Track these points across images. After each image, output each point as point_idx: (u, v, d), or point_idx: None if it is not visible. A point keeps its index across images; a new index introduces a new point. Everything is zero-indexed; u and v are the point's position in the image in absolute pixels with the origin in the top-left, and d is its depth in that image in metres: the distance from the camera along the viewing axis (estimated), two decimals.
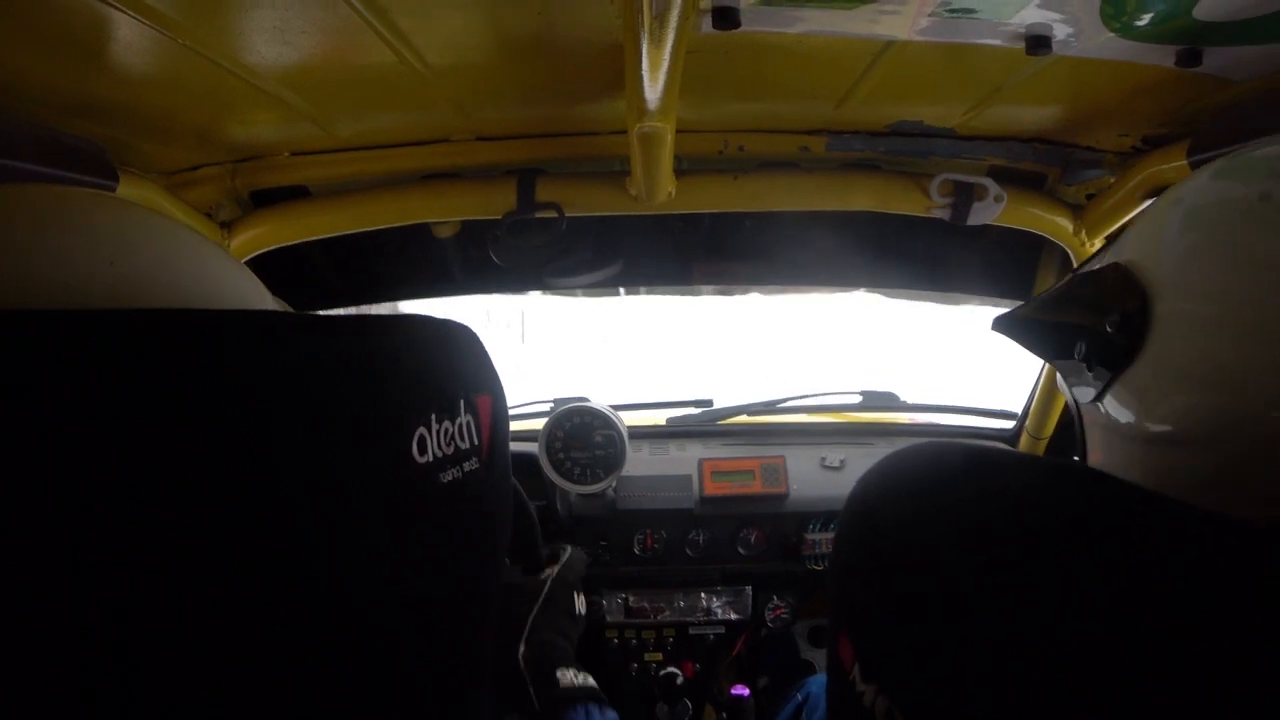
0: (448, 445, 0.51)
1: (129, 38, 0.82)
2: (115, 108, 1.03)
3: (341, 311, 1.88)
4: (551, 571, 1.33)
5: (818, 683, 1.75)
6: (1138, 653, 0.40)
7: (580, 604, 1.37)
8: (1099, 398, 0.65)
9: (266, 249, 1.44)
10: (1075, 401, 0.72)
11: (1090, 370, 0.65)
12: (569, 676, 1.18)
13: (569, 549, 1.39)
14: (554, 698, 1.15)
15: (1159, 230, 0.63)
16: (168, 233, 0.50)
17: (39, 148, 1.01)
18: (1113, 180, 1.36)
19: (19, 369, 0.33)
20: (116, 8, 0.74)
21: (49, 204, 0.47)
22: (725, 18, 0.82)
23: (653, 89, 0.90)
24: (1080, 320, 0.67)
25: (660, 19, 0.74)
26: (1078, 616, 0.42)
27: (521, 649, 1.20)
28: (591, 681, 1.20)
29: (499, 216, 1.42)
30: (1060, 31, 0.87)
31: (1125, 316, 0.61)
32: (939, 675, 0.48)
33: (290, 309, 0.59)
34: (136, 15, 0.76)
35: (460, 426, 0.52)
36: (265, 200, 1.45)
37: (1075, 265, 1.47)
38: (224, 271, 0.52)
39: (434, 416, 0.49)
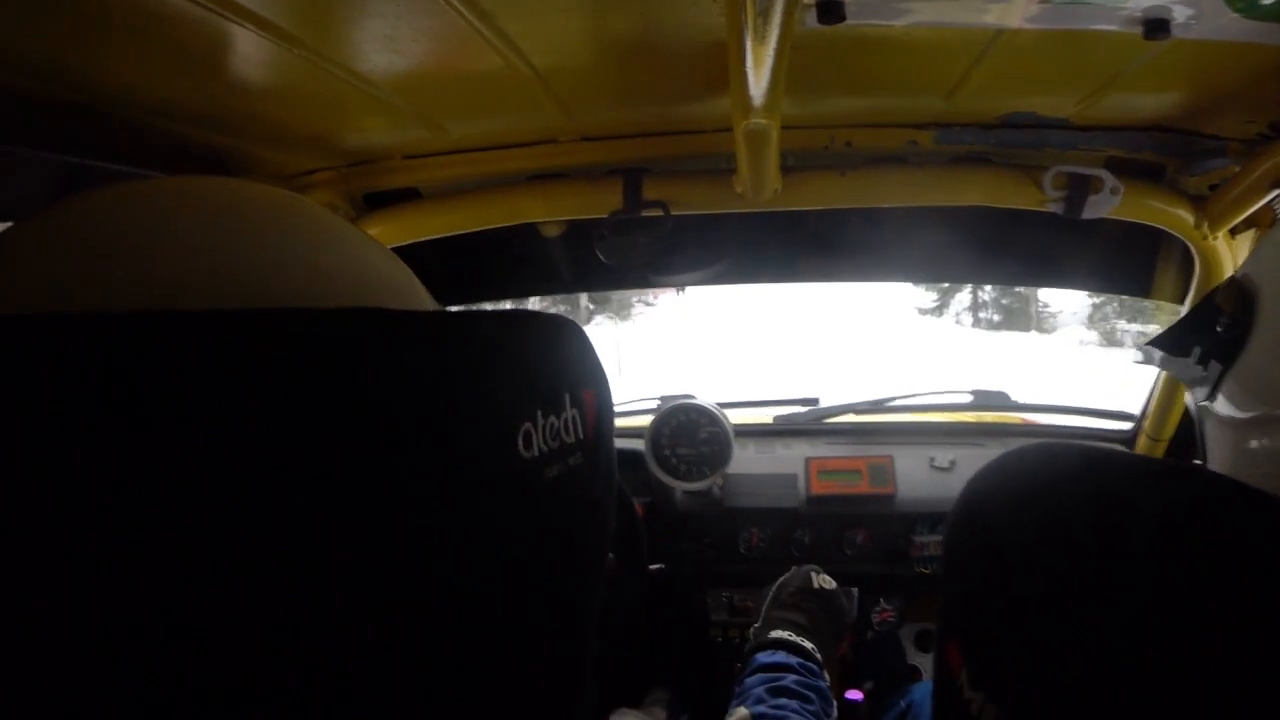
0: (553, 440, 0.50)
1: (248, 50, 0.86)
2: (235, 117, 1.08)
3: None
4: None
5: (922, 690, 1.72)
6: (1261, 664, 0.39)
7: (822, 580, 1.42)
8: (1211, 396, 0.68)
9: None
10: (1195, 408, 0.75)
11: (1205, 370, 0.68)
12: (778, 634, 1.27)
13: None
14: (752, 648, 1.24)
15: None
16: (339, 227, 0.52)
17: (164, 156, 1.06)
18: (1237, 170, 1.30)
19: (146, 370, 0.35)
20: (237, 22, 0.78)
21: (231, 198, 0.49)
22: (830, 12, 0.82)
23: (757, 86, 0.90)
24: (1198, 328, 0.71)
25: (764, 15, 0.74)
26: (1200, 627, 0.41)
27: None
28: (796, 638, 1.27)
29: (605, 215, 1.44)
30: (1179, 14, 0.84)
31: (1232, 315, 0.65)
32: (1050, 684, 0.47)
33: (436, 303, 0.61)
34: (256, 29, 0.80)
35: (565, 421, 0.52)
36: (378, 203, 1.50)
37: (1196, 259, 1.42)
38: (386, 263, 0.54)
39: (540, 412, 0.49)
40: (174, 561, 0.35)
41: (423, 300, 0.57)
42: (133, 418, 0.34)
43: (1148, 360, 0.82)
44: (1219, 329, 0.67)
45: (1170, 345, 0.77)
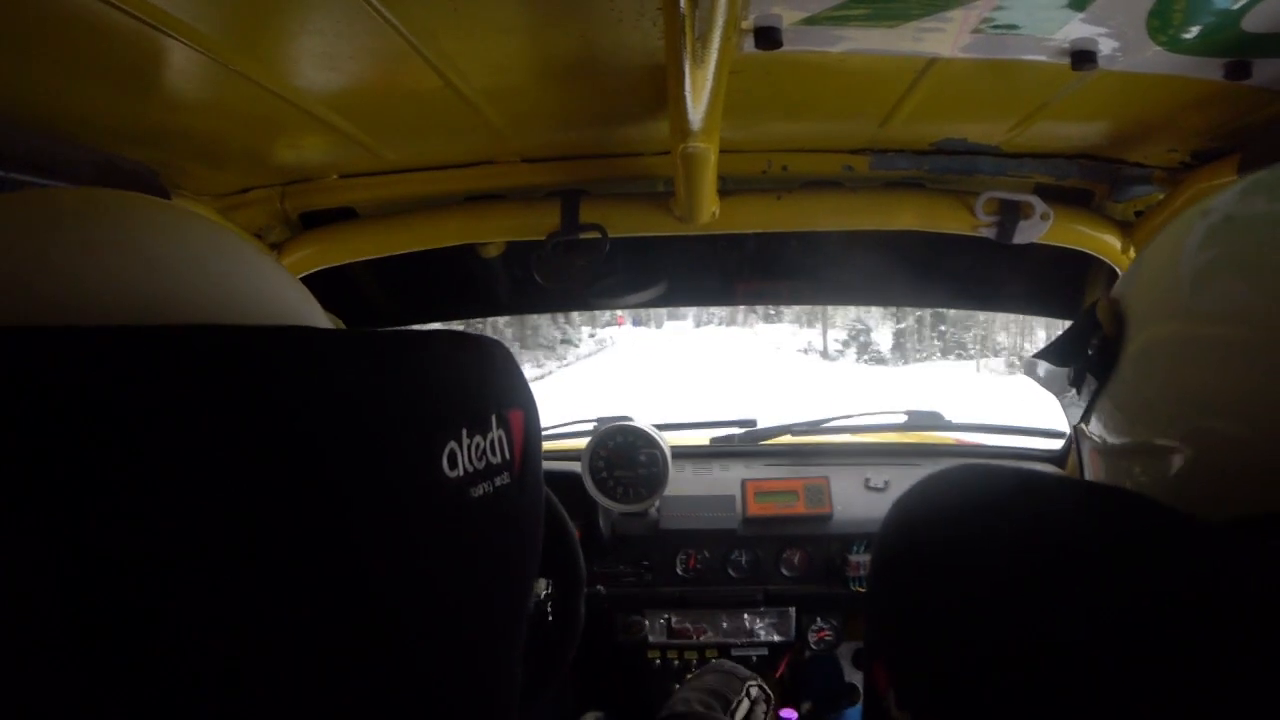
0: (479, 460, 0.51)
1: (182, 65, 0.84)
2: (168, 133, 1.05)
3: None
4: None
5: (855, 714, 1.73)
6: (1199, 693, 0.39)
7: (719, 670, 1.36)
8: (1085, 418, 0.69)
9: (315, 270, 1.47)
10: (1071, 429, 0.75)
11: (1079, 394, 0.69)
12: None
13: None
14: None
15: (1150, 256, 0.65)
16: (226, 243, 0.51)
17: (95, 172, 1.04)
18: (1162, 196, 1.35)
19: (62, 388, 0.34)
20: (171, 35, 0.76)
21: (104, 209, 0.48)
22: (767, 38, 0.83)
23: (696, 110, 0.91)
24: (1073, 346, 0.71)
25: (703, 40, 0.74)
26: (1134, 655, 0.41)
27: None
28: None
29: (543, 237, 1.44)
30: (1106, 46, 0.86)
31: (1105, 336, 0.66)
32: (977, 707, 0.47)
33: (342, 324, 0.60)
34: (190, 43, 0.78)
35: (491, 441, 0.52)
36: (314, 222, 1.48)
37: None
38: (280, 285, 0.53)
39: (465, 431, 0.49)
40: (81, 580, 0.34)
41: (323, 326, 0.56)
42: (42, 436, 0.34)
43: (1029, 374, 0.81)
44: (1090, 350, 0.68)
45: (1052, 360, 0.77)
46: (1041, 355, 0.77)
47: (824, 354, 36.42)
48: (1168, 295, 0.59)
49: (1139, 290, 0.64)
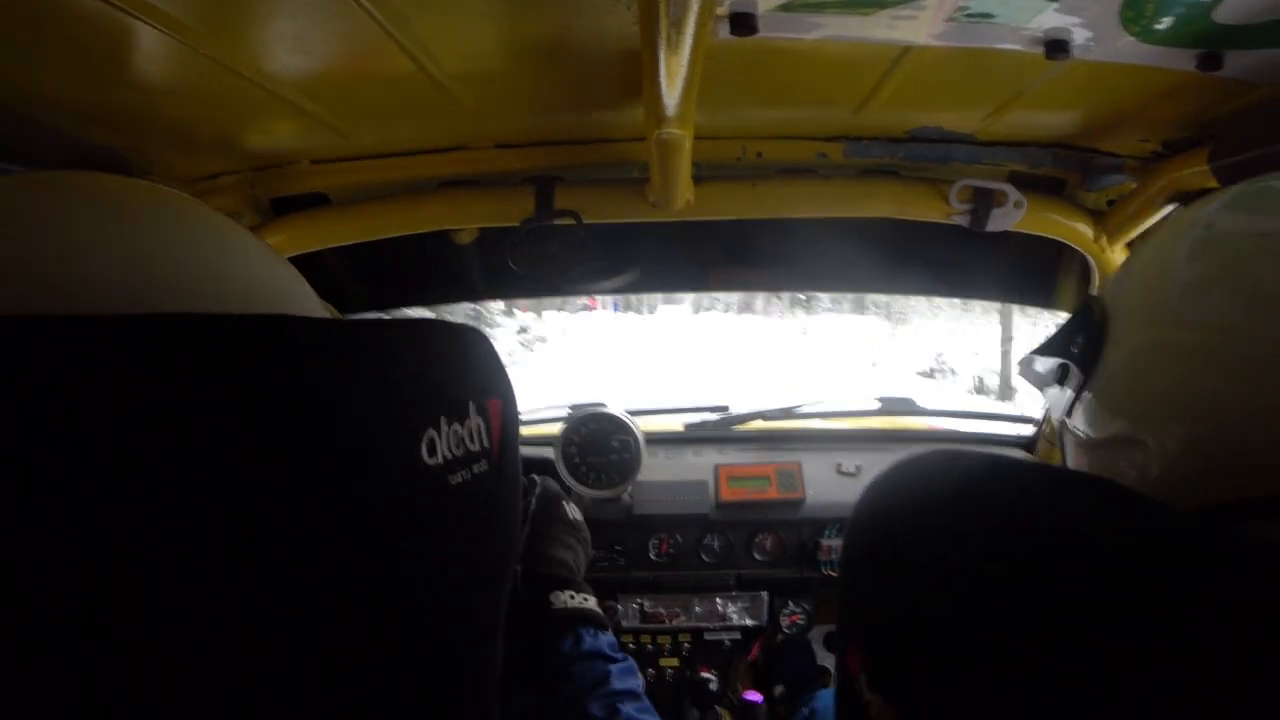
0: (457, 448, 0.51)
1: (150, 48, 0.83)
2: (137, 117, 1.04)
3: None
4: (533, 490, 1.33)
5: (826, 696, 1.74)
6: (1166, 673, 0.39)
7: (573, 510, 1.36)
8: (1069, 412, 0.73)
9: (287, 256, 1.45)
10: (1057, 422, 0.79)
11: (1061, 390, 0.74)
12: (563, 599, 1.17)
13: (534, 477, 1.38)
14: (545, 623, 1.15)
15: (1138, 261, 0.72)
16: (217, 226, 0.51)
17: (63, 157, 1.02)
18: (1134, 185, 1.36)
19: (44, 375, 0.34)
20: (138, 18, 0.75)
21: (96, 191, 0.47)
22: (742, 24, 0.82)
23: (671, 96, 0.90)
24: (1058, 346, 0.76)
25: (678, 26, 0.74)
26: (1100, 636, 0.41)
27: (518, 568, 1.18)
28: (590, 603, 1.19)
29: (517, 224, 1.43)
30: (1079, 36, 0.86)
31: (1087, 335, 0.71)
32: (948, 689, 0.47)
33: (335, 310, 0.60)
34: (158, 25, 0.77)
35: (470, 429, 0.52)
36: (286, 208, 1.47)
37: (1094, 271, 1.47)
38: (270, 267, 0.53)
39: (444, 419, 0.50)
40: (51, 569, 0.34)
41: (315, 310, 0.56)
42: (19, 423, 0.33)
43: (1023, 371, 0.84)
44: (1074, 349, 0.72)
45: (1046, 352, 0.80)
46: (1037, 351, 0.80)
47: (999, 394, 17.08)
48: (1155, 302, 0.64)
49: (1129, 294, 0.68)
